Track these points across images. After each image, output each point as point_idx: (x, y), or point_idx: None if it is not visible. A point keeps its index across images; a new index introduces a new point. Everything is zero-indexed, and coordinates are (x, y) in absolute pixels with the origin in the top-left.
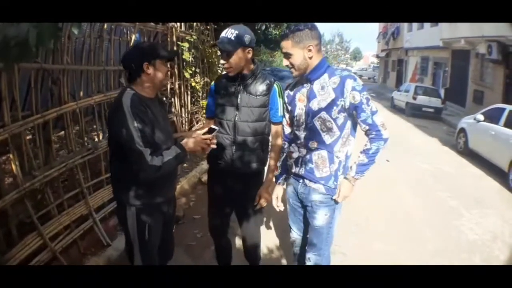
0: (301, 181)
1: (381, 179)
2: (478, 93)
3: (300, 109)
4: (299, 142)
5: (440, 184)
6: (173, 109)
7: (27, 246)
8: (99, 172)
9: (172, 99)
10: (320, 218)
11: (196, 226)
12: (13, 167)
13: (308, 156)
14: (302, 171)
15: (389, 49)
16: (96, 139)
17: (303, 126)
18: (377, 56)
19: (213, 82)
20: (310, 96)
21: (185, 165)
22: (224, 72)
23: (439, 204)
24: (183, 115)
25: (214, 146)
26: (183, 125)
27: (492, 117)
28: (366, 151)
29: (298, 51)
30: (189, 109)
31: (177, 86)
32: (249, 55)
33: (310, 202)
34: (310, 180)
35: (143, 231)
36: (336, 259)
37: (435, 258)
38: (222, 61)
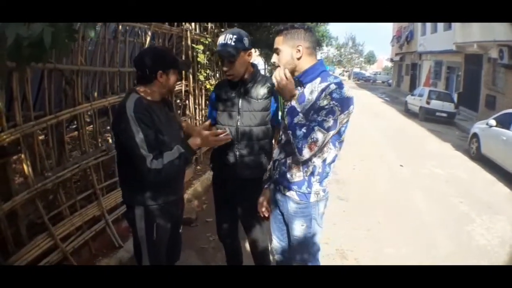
0: (278, 187)
1: (394, 183)
2: (490, 98)
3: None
4: (281, 145)
5: (453, 189)
6: (187, 112)
7: (37, 246)
8: (113, 173)
9: (187, 101)
10: (297, 228)
11: (209, 229)
12: (25, 167)
13: (283, 160)
14: (277, 175)
15: (403, 53)
16: (110, 141)
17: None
18: (391, 60)
19: (213, 91)
20: (300, 100)
21: (198, 167)
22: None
23: (451, 209)
24: (197, 117)
25: (227, 137)
26: None
27: (504, 122)
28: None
29: (287, 48)
30: (203, 111)
31: (191, 88)
32: (250, 58)
33: (286, 211)
34: (284, 187)
35: (151, 231)
36: (349, 264)
37: (446, 263)
38: (225, 68)
